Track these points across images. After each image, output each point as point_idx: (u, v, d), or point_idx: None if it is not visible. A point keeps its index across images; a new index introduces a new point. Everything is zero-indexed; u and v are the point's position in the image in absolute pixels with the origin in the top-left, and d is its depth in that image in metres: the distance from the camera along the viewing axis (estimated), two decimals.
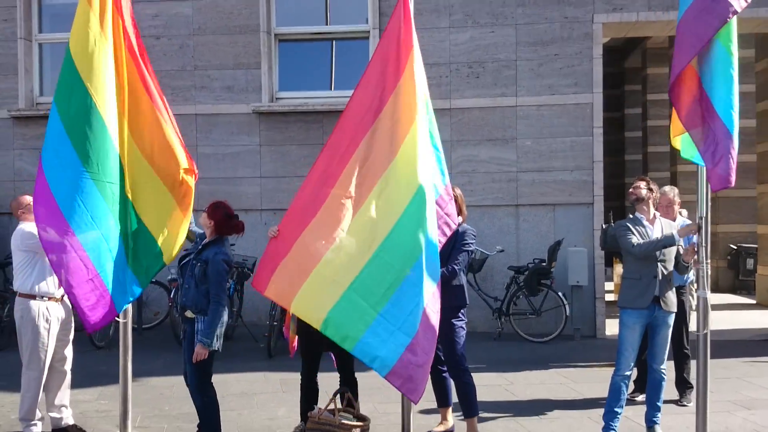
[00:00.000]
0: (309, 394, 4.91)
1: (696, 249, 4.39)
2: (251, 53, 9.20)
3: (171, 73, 9.22)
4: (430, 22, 8.89)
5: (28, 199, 4.95)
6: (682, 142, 4.45)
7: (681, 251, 4.79)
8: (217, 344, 4.50)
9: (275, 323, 7.53)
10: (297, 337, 4.96)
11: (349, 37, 9.53)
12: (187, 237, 4.78)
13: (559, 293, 8.46)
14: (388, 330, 4.05)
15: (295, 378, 5.18)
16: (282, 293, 4.30)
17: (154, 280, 8.49)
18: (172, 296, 8.13)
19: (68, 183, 4.37)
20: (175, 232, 4.66)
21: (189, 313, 4.57)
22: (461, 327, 4.86)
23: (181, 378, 5.54)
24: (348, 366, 4.97)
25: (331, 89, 9.57)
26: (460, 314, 4.86)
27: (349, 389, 4.89)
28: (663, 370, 4.93)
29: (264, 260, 4.44)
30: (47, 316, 4.78)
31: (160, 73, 9.09)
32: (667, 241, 4.73)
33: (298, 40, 9.58)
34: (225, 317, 4.59)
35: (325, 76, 9.68)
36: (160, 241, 4.60)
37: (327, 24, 9.51)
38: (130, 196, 4.56)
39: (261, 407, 5.72)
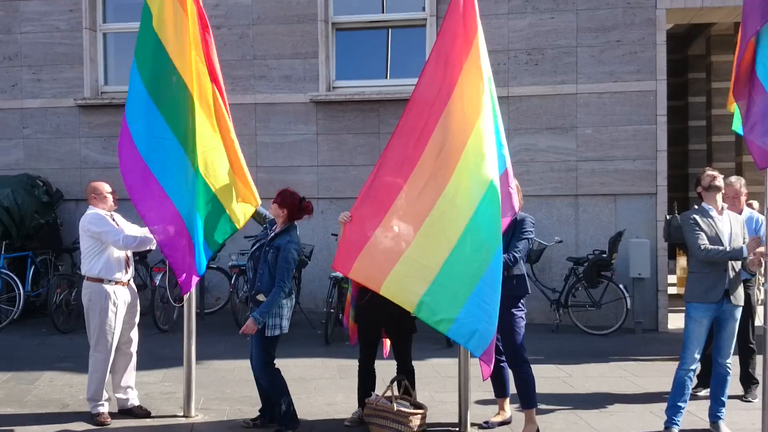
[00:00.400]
0: (366, 381, 4.96)
1: (761, 261, 4.29)
2: (309, 42, 9.25)
3: (231, 62, 9.34)
4: (488, 8, 8.76)
5: (102, 186, 5.09)
6: (735, 114, 4.51)
7: (747, 260, 4.65)
8: (282, 326, 4.68)
9: (332, 310, 7.61)
10: (356, 325, 5.00)
11: (406, 25, 9.48)
12: (257, 220, 4.95)
13: (620, 285, 8.27)
14: (483, 309, 4.18)
15: (352, 365, 5.25)
16: (370, 276, 4.40)
17: (215, 266, 8.74)
18: (233, 282, 8.28)
19: (158, 148, 4.73)
20: (243, 201, 4.93)
21: (261, 297, 4.69)
22: (521, 317, 4.80)
23: (242, 362, 5.66)
24: (405, 354, 4.99)
25: (386, 78, 9.56)
26: (520, 304, 4.81)
27: (406, 377, 4.92)
28: (728, 365, 4.79)
29: (344, 244, 4.53)
30: (114, 300, 4.93)
31: (221, 63, 9.28)
32: (735, 254, 4.60)
33: (354, 29, 9.59)
34: (292, 301, 4.73)
35: (381, 64, 9.67)
36: (229, 209, 4.87)
37: (383, 12, 9.49)
38: (200, 163, 4.76)
39: (319, 392, 5.79)
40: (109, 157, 9.54)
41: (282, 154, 9.36)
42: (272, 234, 4.79)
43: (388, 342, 5.10)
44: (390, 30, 9.58)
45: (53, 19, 9.59)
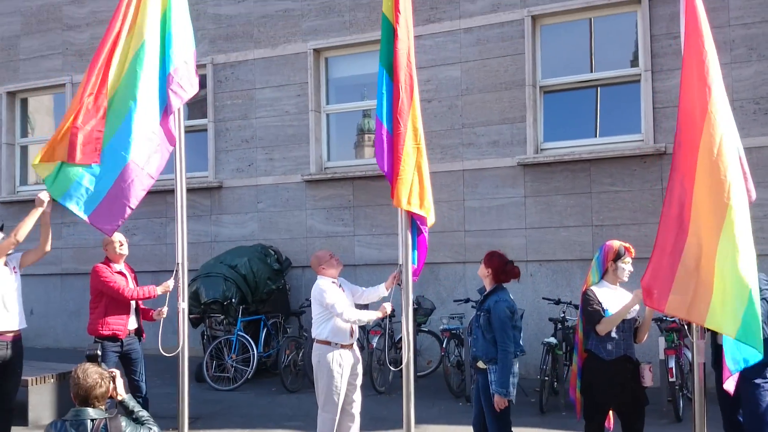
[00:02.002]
0: None
1: None
2: (516, 107, 9.36)
3: (440, 132, 9.72)
4: None
5: (322, 255, 5.50)
6: None
7: None
8: (512, 393, 4.60)
9: (546, 378, 7.39)
10: (582, 396, 4.78)
11: (618, 82, 9.26)
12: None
13: None
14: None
15: None
16: (691, 311, 3.97)
17: (426, 329, 8.93)
18: (444, 346, 8.39)
19: None
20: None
21: (480, 364, 4.72)
22: (766, 389, 4.34)
23: (457, 428, 5.66)
24: (638, 427, 4.68)
25: (596, 136, 9.34)
26: (766, 372, 4.35)
27: None
28: None
29: (652, 278, 4.22)
30: (340, 362, 5.23)
31: (431, 134, 9.72)
32: None
33: (562, 90, 9.54)
34: (516, 367, 4.66)
35: (590, 123, 9.48)
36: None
37: (592, 71, 9.35)
38: None
39: None
40: (332, 226, 10.29)
41: (490, 218, 9.44)
42: (481, 297, 4.86)
43: (611, 413, 4.83)
44: (599, 88, 9.40)
45: (283, 104, 10.68)
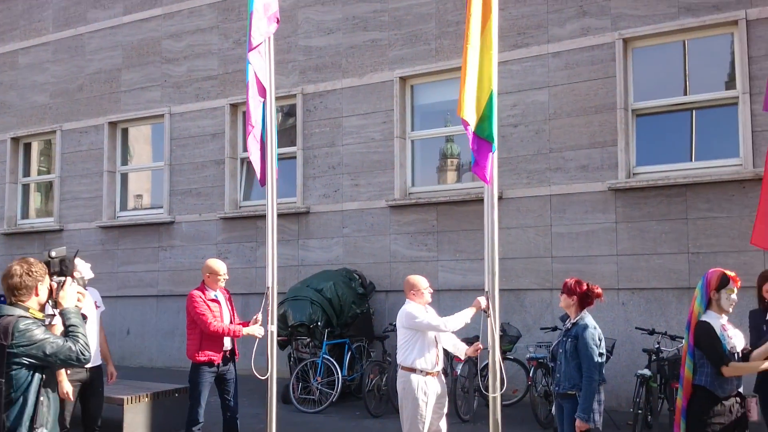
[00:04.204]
0: None
1: None
2: (607, 131, 9.14)
3: (527, 157, 9.60)
4: None
5: (420, 282, 5.48)
6: None
7: None
8: (597, 421, 4.50)
9: (639, 411, 7.09)
10: None
11: (714, 105, 8.90)
12: None
13: None
14: None
15: None
16: None
17: (512, 357, 8.76)
18: (531, 375, 8.20)
19: None
20: None
21: (567, 391, 4.66)
22: None
23: None
24: None
25: (692, 161, 8.99)
26: None
27: None
28: None
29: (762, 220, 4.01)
30: (426, 390, 5.20)
31: (518, 158, 9.63)
32: None
33: (656, 113, 9.26)
34: (601, 395, 4.54)
35: (685, 147, 9.14)
36: None
37: (687, 94, 9.03)
38: None
39: None
40: (415, 251, 10.30)
41: (578, 244, 9.21)
42: (568, 324, 4.83)
43: None
44: (694, 111, 9.07)
45: (369, 131, 10.84)
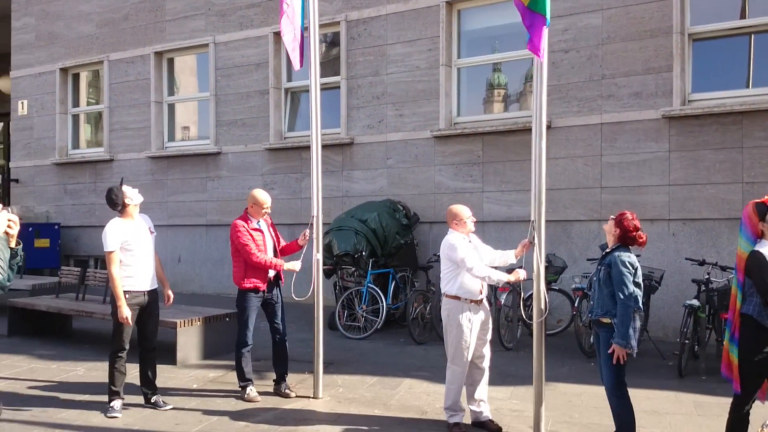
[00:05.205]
0: (738, 424, 4.44)
1: None
2: (662, 56, 8.77)
3: (578, 84, 9.31)
4: None
5: (463, 211, 5.41)
6: None
7: None
8: (633, 347, 4.54)
9: (687, 341, 7.04)
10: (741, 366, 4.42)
11: None
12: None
13: None
14: None
15: (709, 402, 4.78)
16: None
17: (557, 287, 8.74)
18: (576, 305, 8.18)
19: None
20: None
21: (605, 319, 4.70)
22: None
23: (589, 387, 5.54)
24: None
25: (749, 87, 8.59)
26: None
27: None
28: None
29: None
30: (470, 317, 5.22)
31: (568, 86, 9.35)
32: None
33: (713, 38, 8.83)
34: (637, 322, 4.57)
35: (742, 73, 8.73)
36: None
37: (746, 17, 8.56)
38: None
39: (674, 428, 5.38)
40: (460, 182, 10.22)
41: (629, 174, 8.99)
42: (603, 253, 4.86)
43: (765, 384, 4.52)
44: (753, 35, 8.61)
45: (414, 59, 10.63)
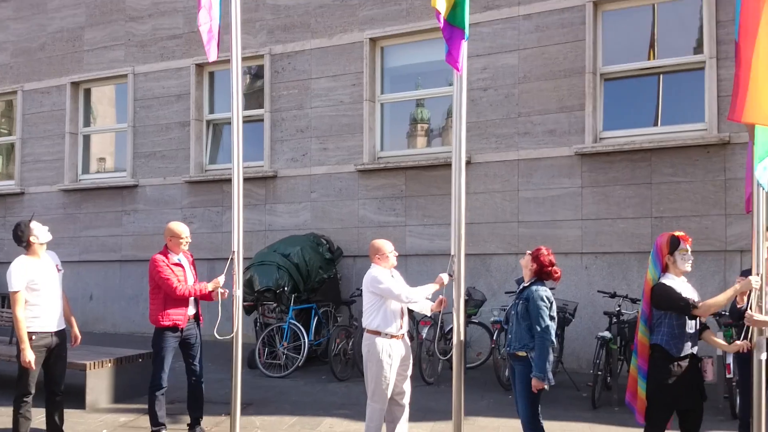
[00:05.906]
0: None
1: None
2: (575, 95, 9.14)
3: (496, 122, 9.58)
4: None
5: (385, 246, 5.44)
6: None
7: None
8: (550, 379, 4.63)
9: (599, 372, 7.23)
10: (650, 397, 4.49)
11: (681, 70, 8.93)
12: None
13: None
14: None
15: None
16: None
17: (477, 320, 8.85)
18: (494, 338, 8.30)
19: None
20: None
21: (521, 353, 4.78)
22: None
23: (506, 420, 5.57)
24: (695, 424, 4.51)
25: (657, 125, 9.05)
26: None
27: None
28: None
29: (734, 93, 4.08)
30: (390, 353, 5.21)
31: (486, 123, 9.61)
32: None
33: (623, 78, 9.27)
34: (551, 355, 4.67)
35: (651, 112, 9.19)
36: None
37: (654, 58, 9.06)
38: None
39: None
40: (383, 216, 10.28)
41: (544, 209, 9.27)
42: (520, 287, 4.97)
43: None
44: (661, 76, 9.10)
45: (338, 94, 10.70)
